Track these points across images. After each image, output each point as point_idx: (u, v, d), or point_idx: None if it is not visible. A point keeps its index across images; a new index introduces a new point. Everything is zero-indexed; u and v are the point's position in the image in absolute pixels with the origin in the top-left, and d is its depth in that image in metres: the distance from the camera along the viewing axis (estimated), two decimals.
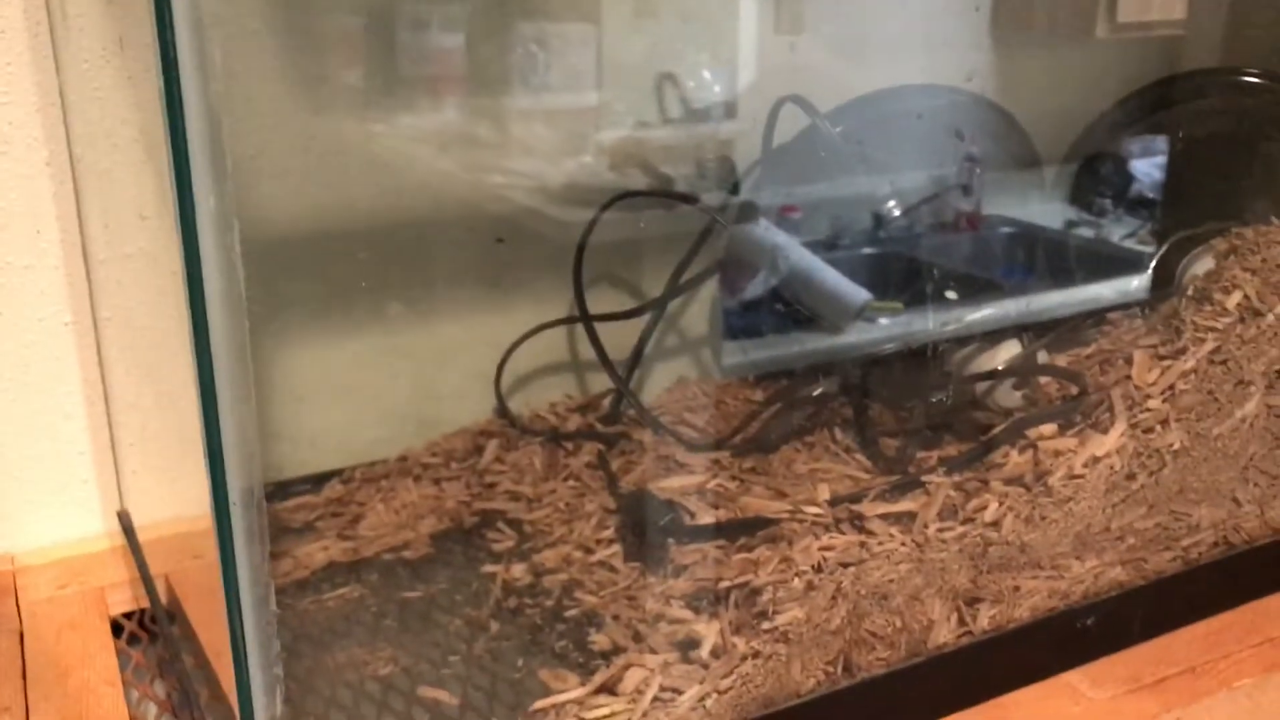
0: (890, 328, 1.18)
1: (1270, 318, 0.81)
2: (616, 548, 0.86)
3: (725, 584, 0.69)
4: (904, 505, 0.72)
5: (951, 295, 1.17)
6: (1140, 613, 0.81)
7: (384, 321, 1.02)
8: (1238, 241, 0.87)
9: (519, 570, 0.87)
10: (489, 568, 0.88)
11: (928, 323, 1.17)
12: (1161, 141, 1.40)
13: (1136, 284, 1.19)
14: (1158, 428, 0.78)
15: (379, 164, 0.99)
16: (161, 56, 0.45)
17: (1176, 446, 0.78)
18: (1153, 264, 0.94)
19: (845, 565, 0.69)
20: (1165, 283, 0.96)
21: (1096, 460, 0.76)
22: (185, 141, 0.46)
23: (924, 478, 0.73)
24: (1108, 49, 1.33)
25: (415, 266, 1.03)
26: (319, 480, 1.00)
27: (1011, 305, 1.19)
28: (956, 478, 0.74)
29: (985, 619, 0.75)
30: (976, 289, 1.29)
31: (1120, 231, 1.44)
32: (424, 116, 1.02)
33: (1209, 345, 0.78)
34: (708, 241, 1.06)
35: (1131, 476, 0.77)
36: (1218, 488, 0.82)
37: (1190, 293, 0.82)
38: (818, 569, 0.68)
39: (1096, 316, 0.93)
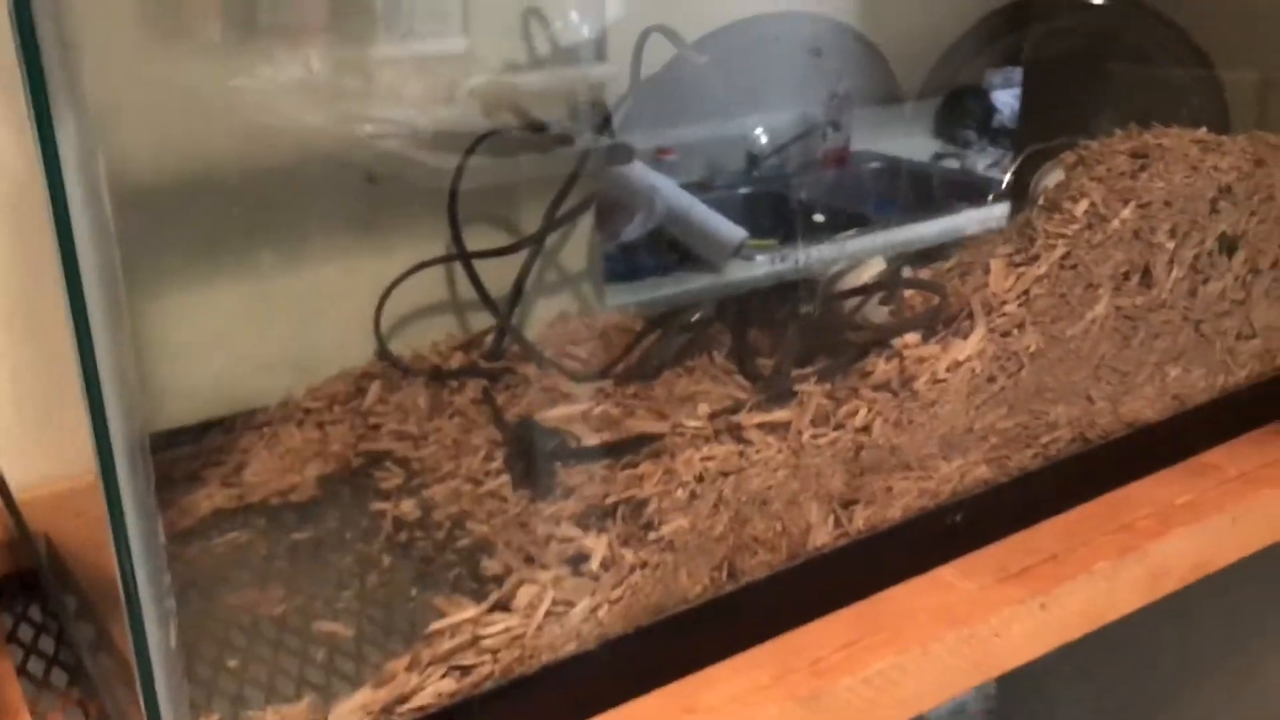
0: (766, 263, 1.21)
1: (1115, 223, 0.85)
2: (505, 478, 0.87)
3: (612, 499, 0.71)
4: (779, 415, 0.74)
5: (819, 220, 1.20)
6: (1005, 508, 0.85)
7: (256, 269, 1.01)
8: (1084, 153, 0.92)
9: (408, 506, 0.87)
10: (378, 505, 0.88)
11: (802, 257, 1.21)
12: (1019, 72, 1.45)
13: (999, 208, 1.24)
14: (1014, 331, 0.82)
15: (243, 112, 0.97)
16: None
17: (1033, 349, 0.82)
18: (1006, 178, 0.98)
19: (725, 474, 0.71)
20: (1019, 197, 1.00)
21: (958, 364, 0.79)
22: (44, 79, 0.45)
23: (797, 387, 0.76)
24: None
25: (286, 212, 1.02)
26: (199, 431, 0.98)
27: (881, 237, 1.23)
28: (828, 387, 0.77)
29: (860, 520, 0.78)
30: (848, 223, 1.33)
31: (985, 161, 1.50)
32: (285, 65, 1.00)
33: (1059, 251, 0.82)
34: (582, 177, 1.07)
35: (992, 379, 0.81)
36: (1073, 387, 0.87)
37: (1041, 203, 0.86)
38: (699, 479, 0.70)
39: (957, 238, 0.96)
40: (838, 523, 0.77)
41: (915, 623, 0.77)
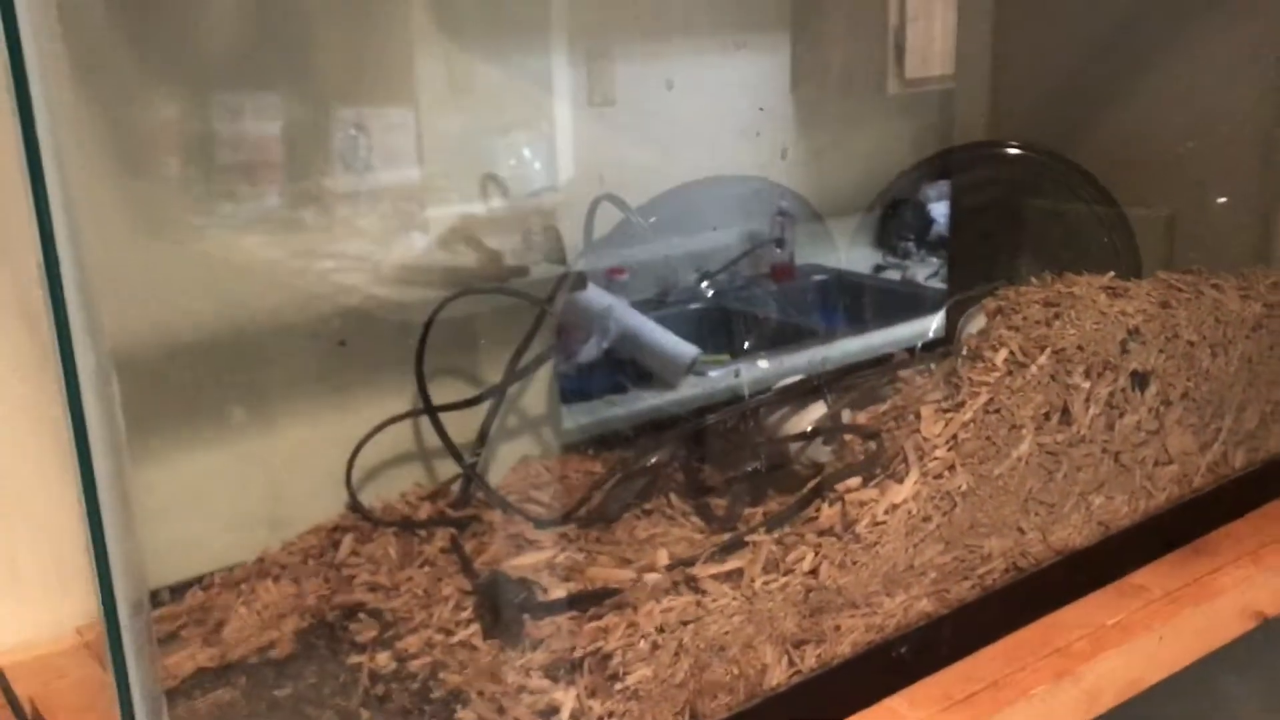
0: (720, 379, 1.27)
1: (1033, 368, 0.93)
2: (475, 627, 0.92)
3: (579, 652, 0.75)
4: (732, 564, 0.80)
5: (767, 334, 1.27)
6: (947, 638, 0.91)
7: (232, 430, 1.06)
8: (1003, 303, 1.00)
9: (383, 659, 0.91)
10: (354, 658, 0.92)
11: (754, 372, 1.27)
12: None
13: (935, 324, 1.31)
14: (946, 473, 0.88)
15: (217, 277, 1.03)
16: (40, 230, 0.50)
17: (964, 488, 0.89)
18: (934, 324, 1.06)
19: (685, 623, 0.76)
20: (947, 341, 1.08)
21: (895, 507, 0.86)
22: (65, 310, 0.51)
23: (747, 537, 0.82)
24: (900, 102, 1.48)
25: (259, 373, 1.07)
26: (179, 589, 1.02)
27: (825, 350, 1.31)
28: (776, 534, 0.83)
29: (812, 658, 0.84)
30: (796, 335, 1.40)
31: (925, 271, 1.58)
32: (257, 233, 1.07)
33: (983, 398, 0.90)
34: (541, 328, 1.13)
35: (928, 518, 0.88)
36: (1004, 520, 0.94)
37: (965, 352, 0.94)
38: (661, 630, 0.75)
39: (891, 374, 1.03)
40: (791, 662, 0.83)
41: None
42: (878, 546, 0.85)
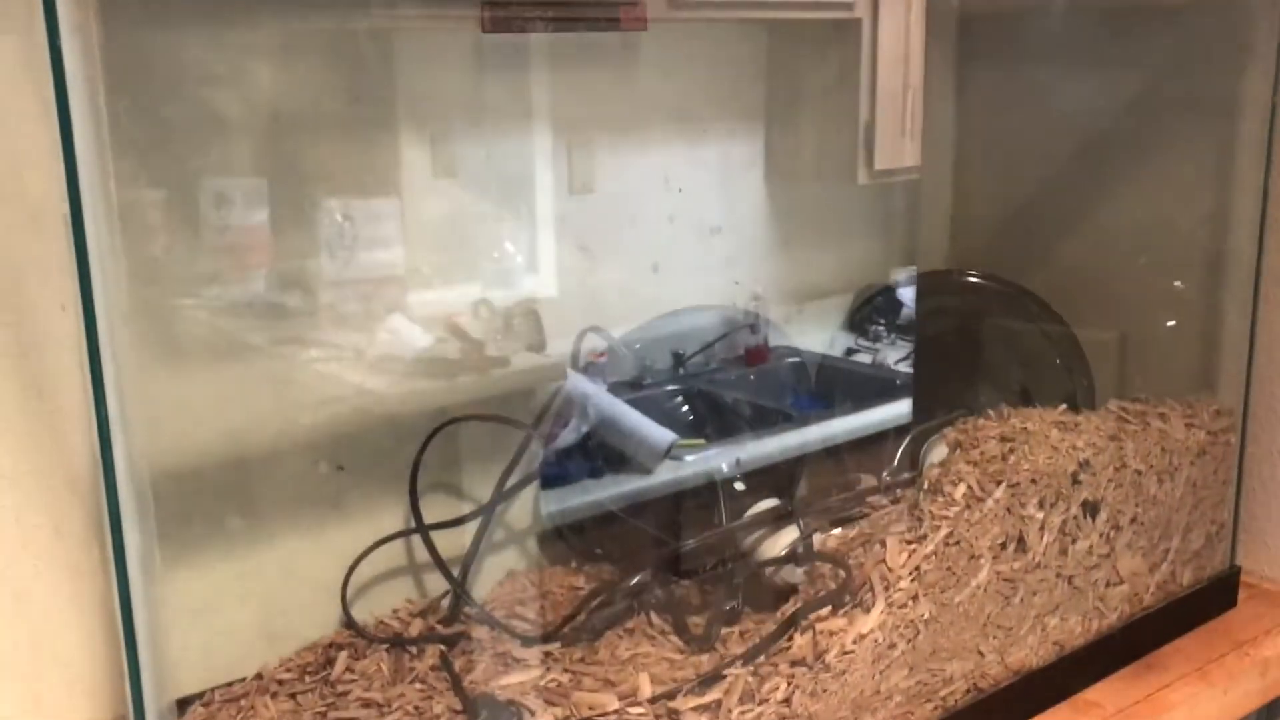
0: (696, 464, 1.33)
1: (990, 501, 0.99)
2: None
3: None
4: (710, 696, 0.86)
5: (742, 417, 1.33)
6: None
7: (232, 548, 1.11)
8: (961, 436, 1.07)
9: None
10: None
11: (730, 456, 1.32)
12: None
13: (901, 407, 1.37)
14: (910, 603, 0.94)
15: (217, 403, 1.09)
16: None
17: (927, 616, 0.95)
18: (900, 452, 1.13)
19: None
20: (912, 466, 1.15)
21: (863, 636, 0.92)
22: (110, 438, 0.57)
23: (725, 670, 0.87)
24: (869, 192, 1.56)
25: (257, 493, 1.13)
26: (182, 705, 1.07)
27: (799, 435, 1.36)
28: (751, 666, 0.88)
29: None
30: (771, 419, 1.45)
31: (895, 354, 1.65)
32: (254, 331, 1.12)
33: (944, 531, 0.96)
34: (527, 451, 1.19)
35: (893, 645, 0.94)
36: (964, 644, 1.00)
37: (927, 485, 1.00)
38: None
39: (859, 500, 1.10)
40: None
41: None
42: (846, 674, 0.91)
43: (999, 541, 1.00)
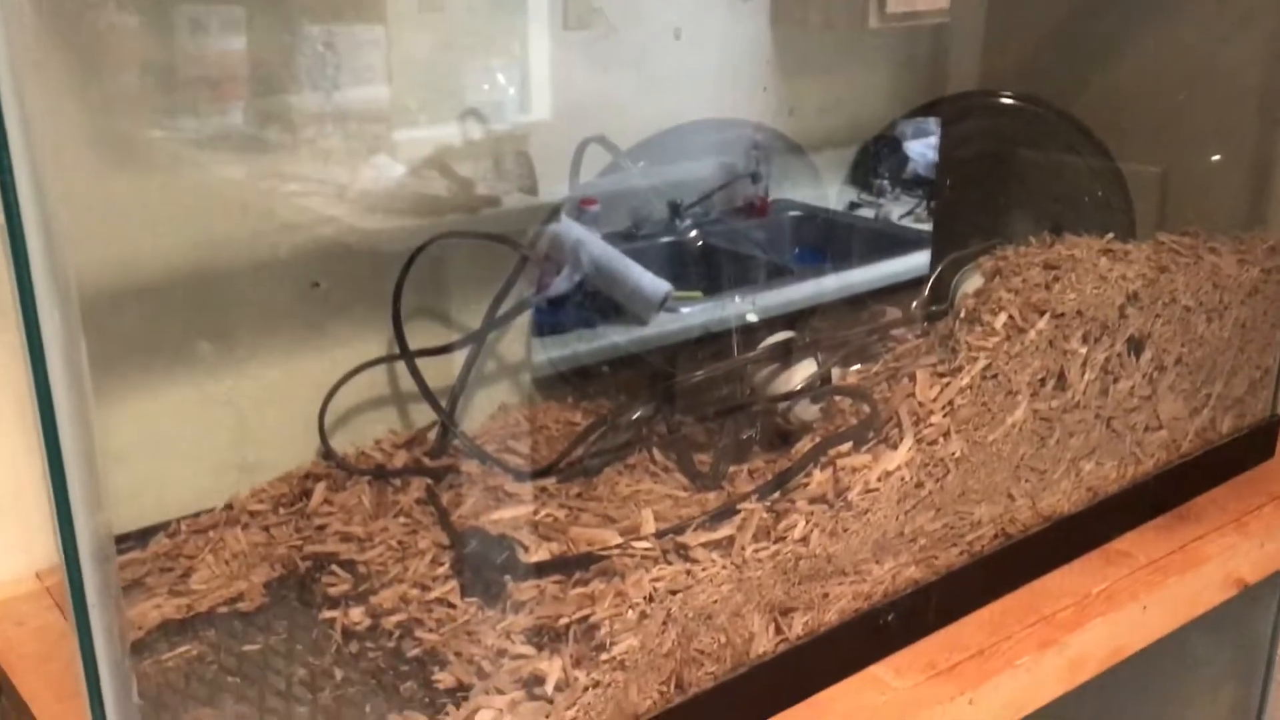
0: (692, 316, 1.25)
1: (1031, 334, 0.90)
2: (453, 584, 0.89)
3: (565, 620, 0.73)
4: (723, 531, 0.78)
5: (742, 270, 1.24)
6: (933, 605, 0.90)
7: (199, 370, 1.02)
8: (1002, 263, 0.97)
9: (357, 614, 0.89)
10: (327, 613, 0.90)
11: (727, 309, 1.24)
12: (930, 122, 1.52)
13: (914, 261, 1.29)
14: (940, 439, 0.86)
15: (184, 213, 0.98)
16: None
17: (958, 455, 0.87)
18: (930, 283, 1.03)
19: (673, 592, 0.74)
20: (941, 299, 1.06)
21: (889, 474, 0.84)
22: (28, 263, 0.47)
23: (739, 505, 0.79)
24: (882, 39, 1.44)
25: (228, 312, 1.03)
26: (144, 535, 0.99)
27: (799, 289, 1.28)
28: (767, 501, 0.80)
29: (799, 626, 0.82)
30: (770, 272, 1.37)
31: (899, 210, 1.55)
32: (223, 165, 1.02)
33: (981, 363, 0.87)
34: (523, 274, 1.10)
35: (920, 485, 0.86)
36: (995, 487, 0.92)
37: (963, 314, 0.91)
38: (649, 599, 0.73)
39: (883, 333, 1.01)
40: (778, 630, 0.81)
41: None
42: (869, 514, 0.83)
43: (1038, 377, 0.92)
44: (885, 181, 1.58)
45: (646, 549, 0.76)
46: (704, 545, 0.77)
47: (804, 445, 0.88)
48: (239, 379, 1.05)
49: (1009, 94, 1.33)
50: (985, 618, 0.92)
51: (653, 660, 0.74)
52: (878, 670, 0.86)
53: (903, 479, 0.84)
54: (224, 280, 1.02)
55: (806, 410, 1.00)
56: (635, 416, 1.04)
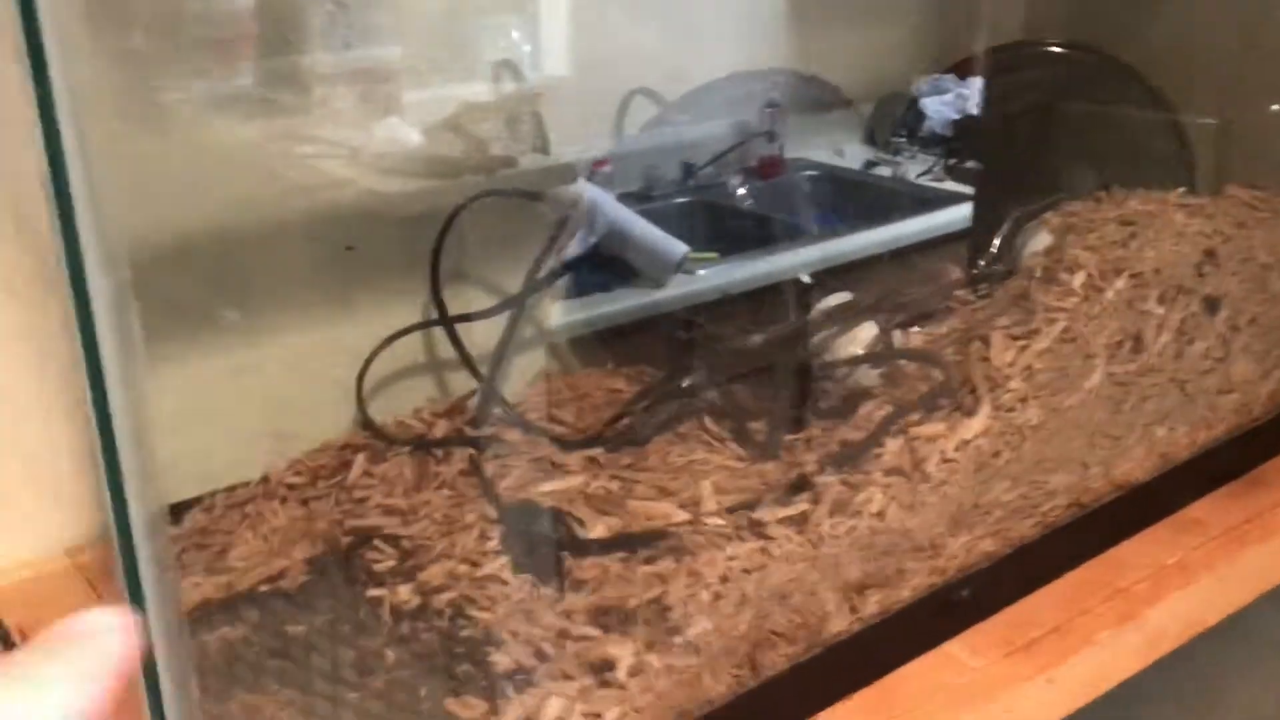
0: (710, 278, 1.20)
1: (1110, 293, 0.86)
2: (504, 559, 0.85)
3: (634, 601, 0.69)
4: (798, 507, 0.74)
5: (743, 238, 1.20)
6: (1008, 579, 0.86)
7: (231, 338, 0.98)
8: (1073, 220, 0.92)
9: (405, 592, 0.85)
10: (374, 591, 0.86)
11: (745, 270, 1.20)
12: (947, 79, 1.47)
13: (935, 220, 1.24)
14: (1018, 406, 0.82)
15: (207, 176, 0.94)
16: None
17: (1035, 422, 0.83)
18: (996, 242, 0.98)
19: (748, 571, 0.70)
20: (999, 257, 1.01)
21: (966, 443, 0.79)
22: (75, 228, 0.43)
23: (816, 479, 0.75)
24: None
25: (255, 282, 0.99)
26: (178, 510, 0.95)
27: (825, 248, 1.23)
28: (842, 474, 0.76)
29: (873, 604, 0.78)
30: (788, 232, 1.33)
31: (917, 168, 1.51)
32: (245, 122, 0.97)
33: (1060, 325, 0.83)
34: (563, 234, 1.05)
35: (997, 454, 0.82)
36: (1069, 455, 0.88)
37: (1039, 273, 0.86)
38: (724, 579, 0.69)
39: (945, 294, 0.96)
40: (853, 609, 0.77)
41: (928, 705, 0.77)
42: (945, 485, 0.79)
43: (1115, 340, 0.87)
44: (902, 140, 1.54)
45: (720, 526, 0.72)
46: (779, 522, 0.73)
47: (871, 411, 0.84)
48: (270, 346, 1.00)
49: (1055, 41, 1.27)
50: (1060, 591, 0.89)
51: (727, 643, 0.70)
52: (952, 648, 0.82)
53: (979, 448, 0.80)
54: (252, 245, 0.97)
55: (866, 375, 0.96)
56: (686, 383, 0.99)
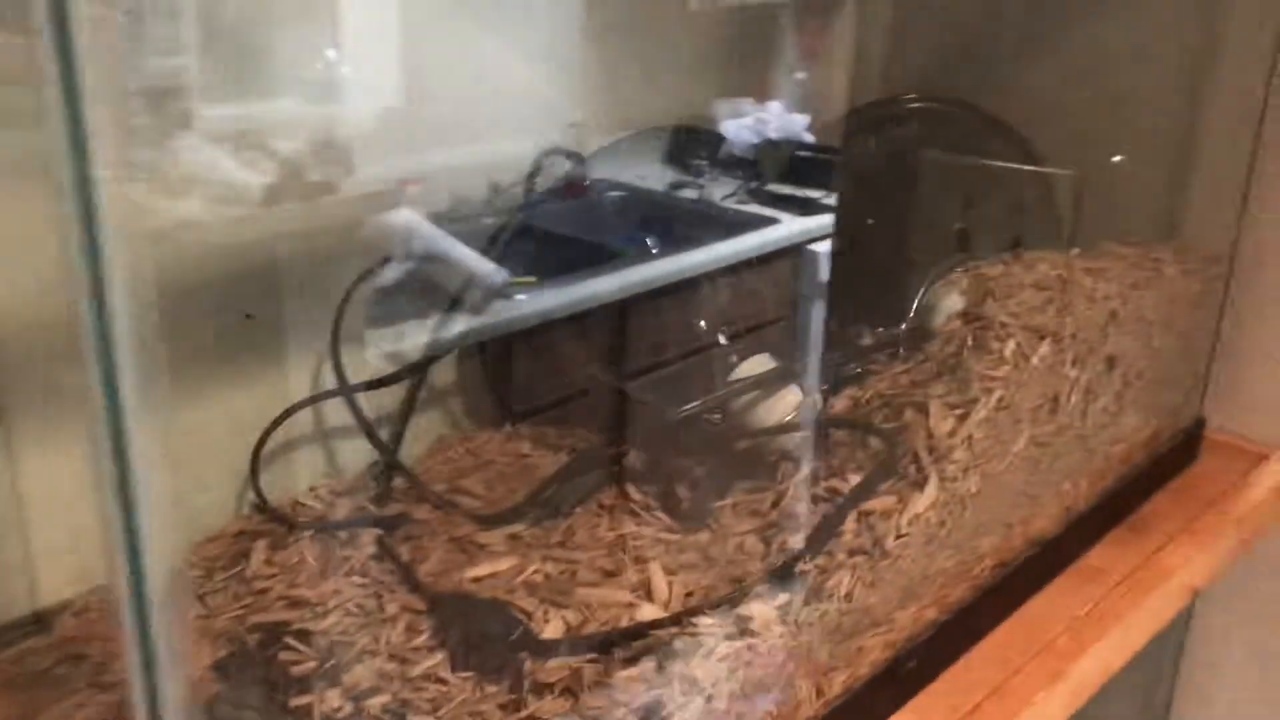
0: (529, 303, 1.17)
1: (1035, 359, 0.88)
2: (440, 656, 0.80)
3: (621, 713, 0.66)
4: (781, 599, 0.72)
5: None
6: (947, 644, 0.87)
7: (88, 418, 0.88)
8: (990, 283, 0.94)
9: (334, 697, 0.78)
10: (299, 699, 0.78)
11: (565, 296, 1.17)
12: (744, 102, 1.49)
13: (747, 243, 1.26)
14: (959, 476, 0.83)
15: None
16: None
17: (973, 490, 0.84)
18: (914, 306, 0.99)
19: (734, 671, 0.68)
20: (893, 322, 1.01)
21: (918, 516, 0.79)
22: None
23: (799, 567, 0.74)
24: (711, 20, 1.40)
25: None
26: (44, 618, 0.85)
27: (634, 273, 1.21)
28: (818, 560, 0.75)
29: (838, 685, 0.77)
30: (601, 255, 1.30)
31: (721, 191, 1.52)
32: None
33: (996, 394, 0.84)
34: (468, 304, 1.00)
35: (942, 524, 0.82)
36: (996, 518, 0.89)
37: (970, 341, 0.88)
38: (714, 682, 0.67)
39: (865, 359, 0.97)
40: (819, 693, 0.76)
41: None
42: (899, 561, 0.79)
43: (1037, 404, 0.90)
44: (703, 162, 1.55)
45: (710, 625, 0.69)
46: (763, 614, 0.71)
47: (794, 475, 0.83)
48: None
49: (913, 96, 1.30)
50: (989, 648, 0.90)
51: None
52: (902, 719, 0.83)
53: (928, 521, 0.81)
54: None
55: (788, 439, 0.95)
56: (612, 452, 0.96)
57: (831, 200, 1.27)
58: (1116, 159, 1.32)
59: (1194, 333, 1.13)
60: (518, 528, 0.92)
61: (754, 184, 1.49)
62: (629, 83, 1.33)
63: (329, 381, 0.97)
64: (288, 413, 0.93)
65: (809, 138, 1.48)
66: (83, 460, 0.84)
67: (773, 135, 1.50)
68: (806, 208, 1.32)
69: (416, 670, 0.79)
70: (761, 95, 1.50)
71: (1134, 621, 0.97)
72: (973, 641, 0.90)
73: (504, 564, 0.86)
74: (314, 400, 0.95)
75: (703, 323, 1.18)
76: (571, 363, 1.12)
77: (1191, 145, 1.23)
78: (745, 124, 1.53)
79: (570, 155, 1.29)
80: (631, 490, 0.96)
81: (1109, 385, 0.99)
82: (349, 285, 0.93)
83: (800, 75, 1.52)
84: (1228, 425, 1.24)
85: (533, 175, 1.23)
